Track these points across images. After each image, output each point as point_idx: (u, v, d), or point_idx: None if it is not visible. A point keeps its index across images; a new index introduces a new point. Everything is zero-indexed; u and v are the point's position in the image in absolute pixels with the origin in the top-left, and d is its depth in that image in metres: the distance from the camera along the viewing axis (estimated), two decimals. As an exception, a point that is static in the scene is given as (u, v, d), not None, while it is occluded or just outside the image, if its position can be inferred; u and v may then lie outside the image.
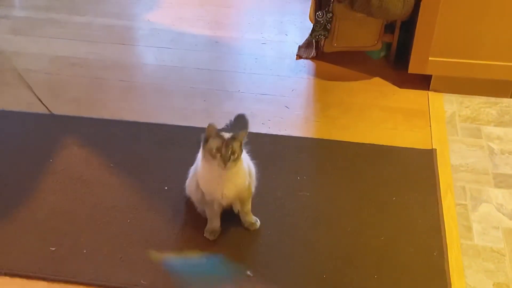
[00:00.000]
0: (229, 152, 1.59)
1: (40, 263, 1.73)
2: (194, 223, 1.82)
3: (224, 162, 1.59)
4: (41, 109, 2.35)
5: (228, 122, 2.07)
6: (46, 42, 2.81)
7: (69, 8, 3.09)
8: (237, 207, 1.80)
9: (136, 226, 1.85)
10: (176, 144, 2.18)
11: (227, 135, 1.62)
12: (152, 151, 2.15)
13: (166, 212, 1.89)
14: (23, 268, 1.71)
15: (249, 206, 1.80)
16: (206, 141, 1.62)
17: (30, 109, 2.35)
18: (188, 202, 1.86)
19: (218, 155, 1.59)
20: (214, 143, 1.60)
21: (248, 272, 1.71)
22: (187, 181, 1.85)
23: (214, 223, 1.80)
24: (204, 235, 1.79)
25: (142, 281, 1.68)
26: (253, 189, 1.85)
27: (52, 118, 2.31)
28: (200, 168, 1.71)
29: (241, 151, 1.64)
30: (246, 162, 1.77)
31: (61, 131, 2.24)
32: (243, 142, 1.72)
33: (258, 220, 1.83)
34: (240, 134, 1.64)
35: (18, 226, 1.84)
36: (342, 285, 1.67)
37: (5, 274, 1.70)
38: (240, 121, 2.08)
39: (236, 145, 1.61)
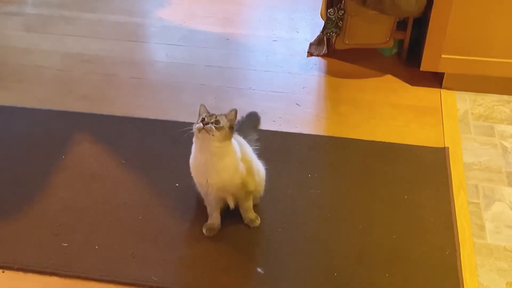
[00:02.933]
0: (212, 120, 1.62)
1: (52, 259, 1.74)
2: (204, 219, 1.82)
3: (204, 123, 1.61)
4: (52, 106, 2.36)
5: (240, 118, 2.07)
6: (57, 39, 2.83)
7: (80, 5, 3.10)
8: (231, 204, 1.79)
9: (147, 223, 1.85)
10: (186, 141, 2.16)
11: None
12: (163, 148, 2.15)
13: (177, 208, 1.89)
14: (36, 263, 1.72)
15: (249, 203, 1.80)
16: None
17: (42, 106, 2.37)
18: (199, 198, 1.86)
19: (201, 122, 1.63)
20: (202, 115, 1.66)
21: (259, 269, 1.71)
22: None
23: (214, 219, 1.80)
24: (202, 231, 1.80)
25: (153, 277, 1.68)
26: (262, 190, 1.86)
27: (64, 115, 2.32)
28: (191, 155, 1.72)
29: (230, 132, 1.65)
30: (252, 160, 1.76)
31: (73, 127, 2.25)
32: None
33: (259, 218, 1.83)
34: (230, 112, 1.66)
35: (31, 221, 1.86)
36: (353, 283, 1.67)
37: (18, 269, 1.71)
38: (252, 119, 2.09)
39: (222, 118, 1.63)
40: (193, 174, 1.75)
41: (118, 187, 1.98)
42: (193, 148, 1.70)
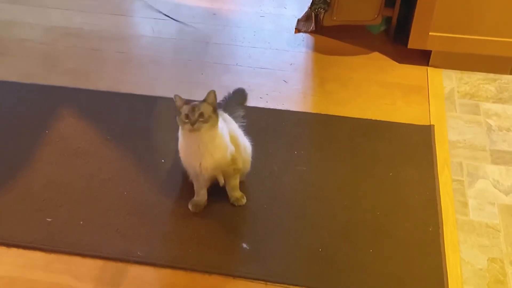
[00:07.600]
0: (196, 115, 1.59)
1: (36, 234, 1.73)
2: (190, 196, 1.82)
3: (192, 124, 1.59)
4: (36, 80, 2.33)
5: (226, 95, 2.06)
6: (41, 11, 2.77)
7: (64, -22, 3.03)
8: (221, 181, 1.79)
9: (133, 198, 1.85)
10: (173, 117, 2.15)
11: (197, 102, 1.62)
12: (148, 124, 2.13)
13: (162, 184, 1.89)
14: (20, 238, 1.72)
15: (236, 182, 1.79)
16: (180, 113, 1.62)
17: (25, 80, 2.33)
18: (184, 175, 1.85)
19: (187, 120, 1.60)
20: (184, 111, 1.61)
21: (244, 245, 1.71)
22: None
23: (200, 196, 1.79)
24: (188, 207, 1.80)
25: (138, 253, 1.68)
26: (248, 167, 1.85)
27: (48, 89, 2.28)
28: (179, 139, 1.71)
29: (216, 116, 1.63)
30: (238, 137, 1.75)
31: (57, 102, 2.22)
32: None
33: (245, 197, 1.82)
34: (209, 96, 1.63)
35: (15, 197, 1.84)
36: (337, 259, 1.69)
37: (1, 244, 1.70)
38: (238, 95, 2.08)
39: (204, 107, 1.60)
40: (184, 160, 1.73)
41: (103, 162, 1.96)
42: (181, 134, 1.68)
